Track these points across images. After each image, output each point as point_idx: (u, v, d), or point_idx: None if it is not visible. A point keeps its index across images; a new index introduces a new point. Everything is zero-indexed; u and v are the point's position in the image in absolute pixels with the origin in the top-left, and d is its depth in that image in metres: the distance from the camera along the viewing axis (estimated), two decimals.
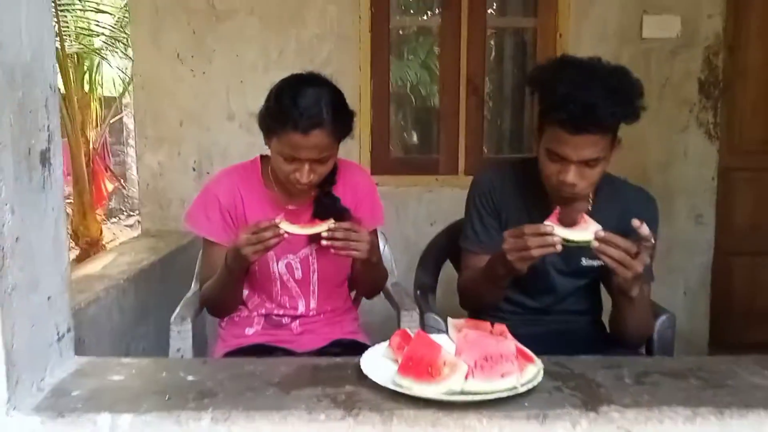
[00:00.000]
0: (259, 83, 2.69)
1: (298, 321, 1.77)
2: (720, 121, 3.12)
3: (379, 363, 1.21)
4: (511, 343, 1.12)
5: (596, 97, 1.41)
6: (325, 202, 1.70)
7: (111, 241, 7.12)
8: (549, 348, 1.35)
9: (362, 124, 2.98)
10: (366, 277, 1.80)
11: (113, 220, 9.46)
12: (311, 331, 1.78)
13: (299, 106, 1.53)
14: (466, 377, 1.07)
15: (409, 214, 3.06)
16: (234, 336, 1.77)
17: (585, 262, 1.67)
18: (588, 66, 1.50)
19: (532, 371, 1.12)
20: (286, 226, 1.52)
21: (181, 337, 1.62)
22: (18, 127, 0.99)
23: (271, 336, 1.76)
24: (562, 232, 1.41)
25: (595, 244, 1.39)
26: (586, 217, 1.45)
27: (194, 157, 3.02)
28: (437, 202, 3.05)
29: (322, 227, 1.54)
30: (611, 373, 1.22)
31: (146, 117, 3.02)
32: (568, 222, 1.55)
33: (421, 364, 1.10)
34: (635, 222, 1.40)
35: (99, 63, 7.34)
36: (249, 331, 1.77)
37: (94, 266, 2.22)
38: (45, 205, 1.12)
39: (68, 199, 7.94)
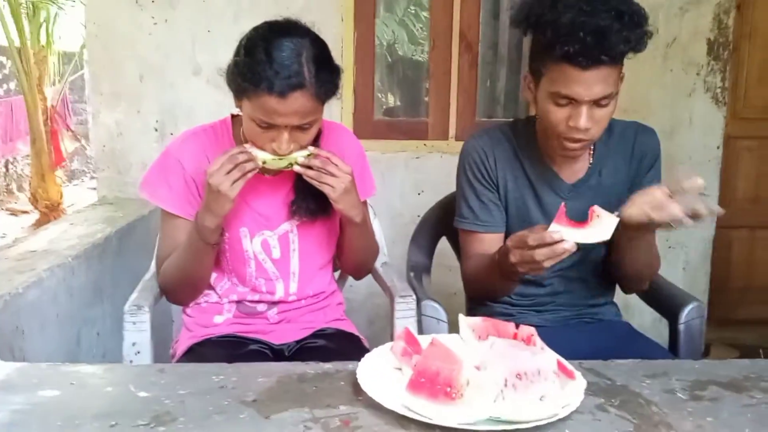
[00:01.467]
0: (228, 33, 2.37)
1: (275, 308, 1.53)
2: (727, 85, 2.90)
3: (380, 374, 0.98)
4: (551, 356, 0.90)
5: (606, 21, 1.26)
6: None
7: (72, 204, 6.74)
8: (563, 338, 1.20)
9: (344, 81, 2.69)
10: (356, 250, 1.56)
11: (75, 182, 9.02)
12: (290, 319, 1.55)
13: (275, 63, 1.25)
14: (495, 399, 0.85)
15: (395, 182, 2.80)
16: (201, 325, 1.52)
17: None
18: None
19: (573, 390, 0.90)
20: (257, 152, 1.31)
21: (137, 329, 1.36)
22: None
23: (244, 326, 1.52)
24: (572, 235, 1.20)
25: None
26: (597, 209, 1.24)
27: (156, 116, 2.71)
28: (426, 170, 2.80)
29: (299, 154, 1.33)
30: (659, 385, 1.02)
31: (102, 70, 2.69)
32: (572, 178, 1.49)
33: (436, 382, 0.87)
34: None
35: (56, 14, 6.84)
36: (218, 319, 1.53)
37: (39, 240, 1.94)
38: None
39: (26, 159, 7.52)
